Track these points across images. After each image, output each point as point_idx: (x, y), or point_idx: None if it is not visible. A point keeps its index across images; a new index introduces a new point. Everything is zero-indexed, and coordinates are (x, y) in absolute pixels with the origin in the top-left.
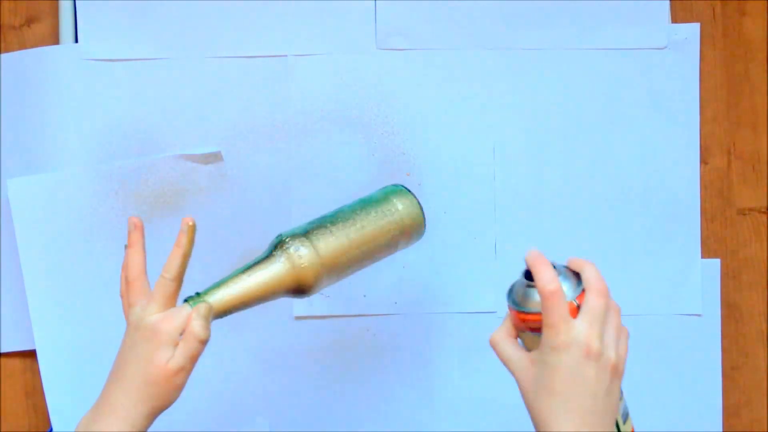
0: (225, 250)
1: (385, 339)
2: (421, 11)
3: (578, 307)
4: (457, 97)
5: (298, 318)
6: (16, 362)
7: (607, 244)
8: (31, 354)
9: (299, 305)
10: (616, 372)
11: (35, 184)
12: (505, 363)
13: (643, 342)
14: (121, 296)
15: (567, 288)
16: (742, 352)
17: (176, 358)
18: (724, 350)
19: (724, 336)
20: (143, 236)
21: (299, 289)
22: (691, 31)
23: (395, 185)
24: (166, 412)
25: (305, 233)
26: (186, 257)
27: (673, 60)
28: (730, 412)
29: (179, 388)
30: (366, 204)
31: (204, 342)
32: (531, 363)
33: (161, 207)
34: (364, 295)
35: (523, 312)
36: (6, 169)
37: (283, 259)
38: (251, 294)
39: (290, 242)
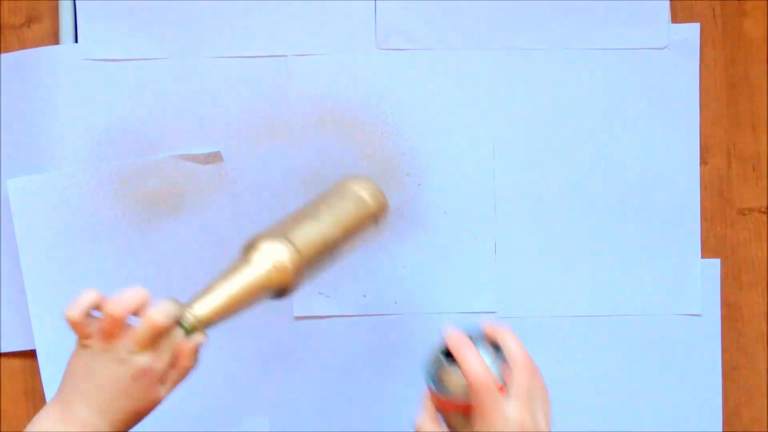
0: (225, 250)
1: (385, 339)
2: (421, 11)
3: (504, 384)
4: (457, 97)
5: (298, 318)
6: (16, 362)
7: (607, 243)
8: (31, 354)
9: (299, 305)
10: None
11: (35, 184)
12: None
13: (643, 342)
14: (76, 323)
15: (489, 364)
16: (742, 352)
17: (167, 387)
18: (724, 350)
19: (724, 336)
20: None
21: (282, 289)
22: (691, 31)
23: (356, 176)
24: (165, 412)
25: (278, 231)
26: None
27: (673, 60)
28: (730, 412)
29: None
30: (329, 196)
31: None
32: None
33: (161, 207)
34: (364, 295)
35: (449, 398)
36: (6, 169)
37: (262, 260)
38: (238, 303)
39: (265, 242)
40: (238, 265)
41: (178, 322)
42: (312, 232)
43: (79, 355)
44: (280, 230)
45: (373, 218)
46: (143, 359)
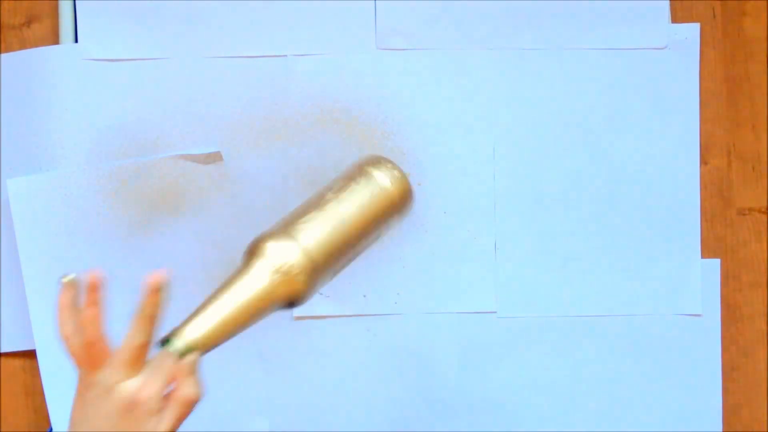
0: (225, 250)
1: (385, 339)
2: (421, 11)
3: None
4: (457, 97)
5: (298, 318)
6: (16, 362)
7: (607, 243)
8: (31, 354)
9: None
10: None
11: (35, 184)
12: None
13: (644, 342)
14: (72, 355)
15: None
16: (742, 352)
17: (166, 422)
18: (724, 350)
19: (724, 336)
20: (101, 294)
21: (292, 298)
22: (691, 31)
23: (372, 156)
24: None
25: (286, 232)
26: (153, 321)
27: (673, 60)
28: (730, 412)
29: None
30: (342, 182)
31: (198, 401)
32: None
33: (161, 207)
34: (364, 295)
35: None
36: (6, 169)
37: (267, 270)
38: (239, 321)
39: (271, 247)
40: (238, 276)
41: (164, 342)
42: (323, 228)
43: (75, 404)
44: (286, 228)
45: (393, 207)
46: (129, 385)
